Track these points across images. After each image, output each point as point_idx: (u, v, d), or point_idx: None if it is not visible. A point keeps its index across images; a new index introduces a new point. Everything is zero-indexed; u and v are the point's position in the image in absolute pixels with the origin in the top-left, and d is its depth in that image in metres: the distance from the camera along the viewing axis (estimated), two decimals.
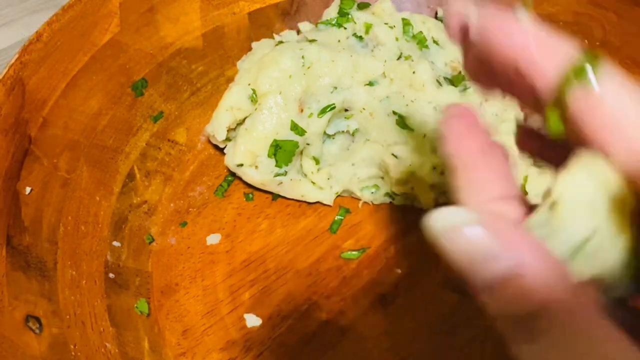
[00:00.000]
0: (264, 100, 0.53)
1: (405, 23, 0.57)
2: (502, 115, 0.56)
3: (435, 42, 0.58)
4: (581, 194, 0.21)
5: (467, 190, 0.24)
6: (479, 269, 0.21)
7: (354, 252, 0.53)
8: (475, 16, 0.24)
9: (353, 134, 0.56)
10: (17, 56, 0.49)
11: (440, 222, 0.21)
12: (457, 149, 0.25)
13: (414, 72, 0.54)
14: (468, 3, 0.25)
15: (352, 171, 0.56)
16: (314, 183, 0.56)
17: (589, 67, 0.21)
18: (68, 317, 0.45)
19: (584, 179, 0.21)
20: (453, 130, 0.25)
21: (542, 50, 0.22)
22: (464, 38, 0.25)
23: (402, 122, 0.53)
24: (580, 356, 0.19)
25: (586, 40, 0.60)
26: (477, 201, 0.24)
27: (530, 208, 0.24)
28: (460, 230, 0.21)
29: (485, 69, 0.25)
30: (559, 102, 0.22)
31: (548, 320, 0.19)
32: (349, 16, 0.57)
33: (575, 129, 0.22)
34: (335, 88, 0.53)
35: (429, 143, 0.53)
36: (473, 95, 0.55)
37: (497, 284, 0.20)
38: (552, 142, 0.27)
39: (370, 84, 0.54)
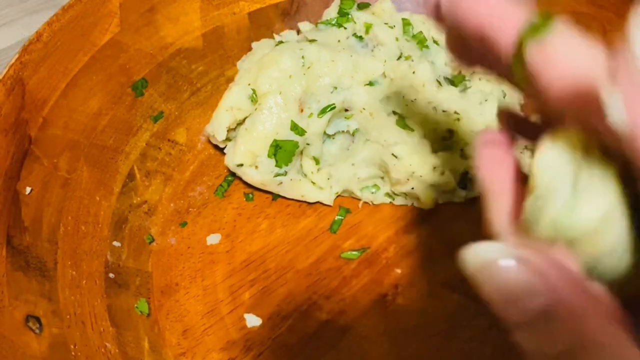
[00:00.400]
0: (264, 100, 0.53)
1: (405, 23, 0.57)
2: None
3: (435, 42, 0.58)
4: (550, 164, 0.21)
5: (499, 217, 0.24)
6: (515, 306, 0.20)
7: (354, 252, 0.53)
8: None
9: (353, 134, 0.56)
10: (17, 56, 0.49)
11: (474, 256, 0.21)
12: (489, 175, 0.25)
13: (414, 72, 0.54)
14: None
15: (352, 171, 0.56)
16: (314, 183, 0.56)
17: (542, 24, 0.23)
18: (68, 317, 0.45)
19: (551, 148, 0.22)
20: (485, 157, 0.25)
21: (502, 15, 0.23)
22: (439, 15, 0.26)
23: (402, 122, 0.53)
24: None
25: None
26: (508, 229, 0.24)
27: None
28: (496, 265, 0.20)
29: (462, 45, 0.26)
30: (520, 58, 0.23)
31: (587, 357, 0.19)
32: (349, 16, 0.57)
33: (534, 80, 0.22)
34: (335, 88, 0.53)
35: (429, 143, 0.54)
36: (473, 95, 0.55)
37: (534, 321, 0.20)
38: (529, 121, 0.28)
39: (370, 84, 0.54)
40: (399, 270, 0.53)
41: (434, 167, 0.53)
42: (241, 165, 0.54)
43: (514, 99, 0.59)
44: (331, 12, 0.58)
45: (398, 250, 0.54)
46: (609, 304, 0.21)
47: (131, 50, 0.57)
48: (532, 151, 0.23)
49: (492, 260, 0.20)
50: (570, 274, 0.20)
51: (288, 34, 0.62)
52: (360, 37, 0.56)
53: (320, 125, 0.53)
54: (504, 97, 0.58)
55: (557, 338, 0.19)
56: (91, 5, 0.54)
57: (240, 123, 0.55)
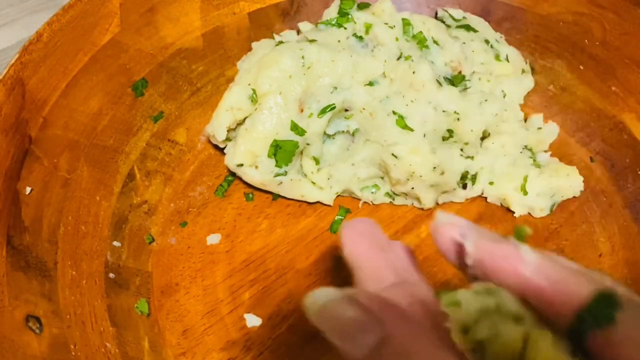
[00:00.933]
0: (264, 100, 0.53)
1: (405, 23, 0.57)
2: (502, 115, 0.56)
3: (435, 42, 0.58)
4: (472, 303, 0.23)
5: (363, 283, 0.27)
6: (353, 344, 0.22)
7: None
8: (471, 242, 0.25)
9: (353, 134, 0.56)
10: (17, 56, 0.49)
11: (313, 301, 0.23)
12: (352, 250, 0.28)
13: (413, 72, 0.54)
14: (459, 224, 0.27)
15: (352, 171, 0.56)
16: (314, 183, 0.56)
17: (606, 309, 0.22)
18: (68, 317, 0.45)
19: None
20: (349, 236, 0.29)
21: (556, 292, 0.23)
22: (459, 256, 0.26)
23: (402, 122, 0.53)
24: None
25: (586, 40, 0.60)
26: (372, 290, 0.26)
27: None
28: (331, 307, 0.23)
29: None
30: (575, 334, 0.23)
31: None
32: (349, 16, 0.57)
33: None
34: (335, 88, 0.53)
35: (429, 143, 0.53)
36: (473, 95, 0.55)
37: (371, 356, 0.22)
38: None
39: (370, 84, 0.54)
40: None
41: (434, 167, 0.53)
42: (241, 165, 0.54)
43: (513, 99, 0.59)
44: (331, 12, 0.58)
45: None
46: (442, 334, 0.23)
47: (131, 50, 0.57)
48: None
49: (327, 302, 0.23)
50: (399, 310, 0.23)
51: (288, 34, 0.62)
52: (360, 37, 0.56)
53: (320, 126, 0.53)
54: (504, 97, 0.58)
55: None
56: (91, 5, 0.54)
57: (240, 123, 0.55)
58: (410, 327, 0.22)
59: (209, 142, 0.59)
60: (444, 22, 0.62)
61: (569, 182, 0.56)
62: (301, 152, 0.55)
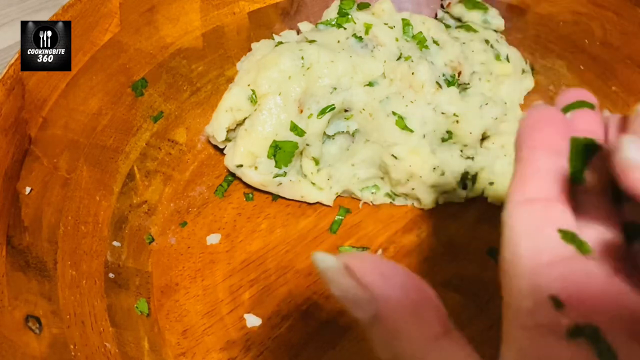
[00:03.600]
0: (264, 101, 0.53)
1: (405, 23, 0.57)
2: (502, 118, 0.56)
3: (435, 42, 0.58)
4: None
5: (514, 183, 0.24)
6: (355, 311, 0.23)
7: (352, 248, 0.54)
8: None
9: (353, 135, 0.56)
10: (17, 56, 0.49)
11: (320, 263, 0.23)
12: (526, 139, 0.24)
13: (413, 73, 0.54)
14: None
15: (352, 172, 0.56)
16: (313, 184, 0.56)
17: None
18: (68, 317, 0.45)
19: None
20: (532, 120, 0.24)
21: None
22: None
23: (401, 122, 0.53)
24: None
25: (586, 40, 0.60)
26: (515, 199, 0.24)
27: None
28: (333, 273, 0.23)
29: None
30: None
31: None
32: (349, 16, 0.57)
33: None
34: (335, 89, 0.53)
35: (428, 144, 0.54)
36: (473, 97, 0.55)
37: (372, 324, 0.23)
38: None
39: (370, 84, 0.54)
40: None
41: (434, 168, 0.53)
42: (241, 166, 0.54)
43: (513, 99, 0.59)
44: (331, 13, 0.58)
45: (398, 250, 0.54)
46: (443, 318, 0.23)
47: (131, 50, 0.57)
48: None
49: (331, 267, 0.23)
50: (401, 270, 0.23)
51: (288, 34, 0.62)
52: (360, 38, 0.56)
53: (320, 126, 0.53)
54: (504, 103, 0.58)
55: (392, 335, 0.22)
56: (91, 5, 0.54)
57: (240, 124, 0.55)
58: (406, 292, 0.22)
59: (209, 142, 0.59)
60: (443, 23, 0.62)
61: None
62: (301, 153, 0.55)
